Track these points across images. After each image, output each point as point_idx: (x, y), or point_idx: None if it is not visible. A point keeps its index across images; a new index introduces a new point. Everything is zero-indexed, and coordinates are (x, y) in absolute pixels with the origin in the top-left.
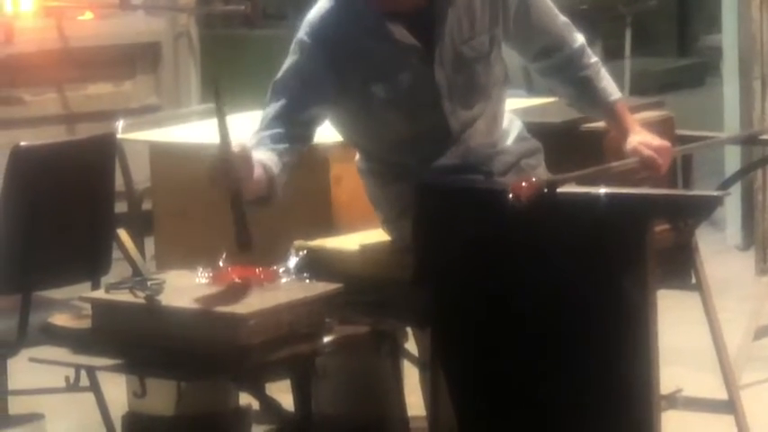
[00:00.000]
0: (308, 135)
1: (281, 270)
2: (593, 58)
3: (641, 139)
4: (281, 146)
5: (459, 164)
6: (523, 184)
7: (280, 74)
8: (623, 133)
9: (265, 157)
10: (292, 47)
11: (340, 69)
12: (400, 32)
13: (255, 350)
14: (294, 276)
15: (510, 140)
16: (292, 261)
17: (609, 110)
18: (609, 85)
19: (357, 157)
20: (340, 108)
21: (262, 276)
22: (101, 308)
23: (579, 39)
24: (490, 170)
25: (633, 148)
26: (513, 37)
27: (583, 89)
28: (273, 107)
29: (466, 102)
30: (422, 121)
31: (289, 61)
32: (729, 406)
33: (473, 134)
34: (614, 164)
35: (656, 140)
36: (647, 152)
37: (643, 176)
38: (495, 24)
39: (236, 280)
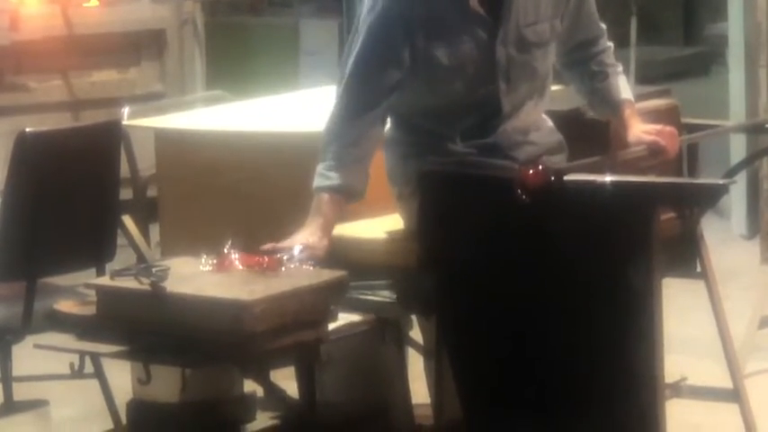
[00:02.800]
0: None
1: (284, 258)
2: (618, 63)
3: (643, 127)
4: (369, 148)
5: (492, 143)
6: (531, 171)
7: (363, 52)
8: (627, 129)
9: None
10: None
11: (412, 27)
12: (474, 1)
13: (260, 337)
14: (298, 264)
15: (541, 132)
16: (297, 249)
17: (619, 106)
18: (624, 86)
19: (387, 125)
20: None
21: (265, 264)
22: (106, 294)
23: (608, 42)
24: (516, 157)
25: (637, 137)
26: (564, 28)
27: (599, 82)
28: (364, 92)
29: (519, 85)
30: (477, 94)
31: (372, 35)
32: (734, 394)
33: (517, 118)
34: (622, 152)
35: (657, 127)
36: (650, 137)
37: (652, 163)
38: (556, 15)
39: (240, 267)
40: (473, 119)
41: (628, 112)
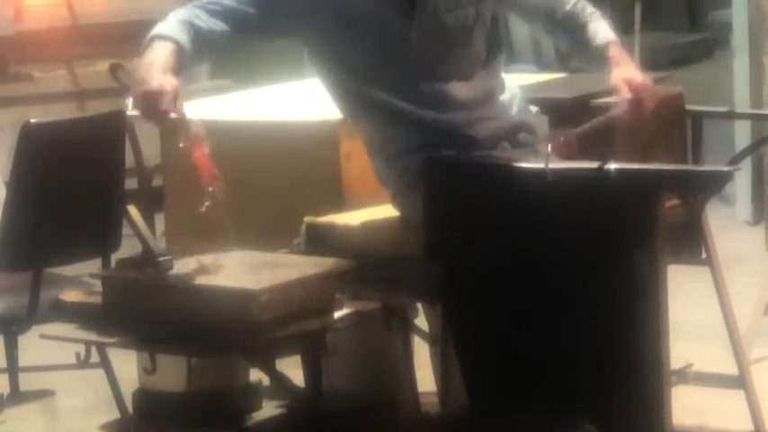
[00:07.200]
0: (259, 33)
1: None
2: (589, 10)
3: (625, 74)
4: (216, 26)
5: (447, 124)
6: (562, 139)
7: None
8: (611, 69)
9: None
10: None
11: (317, 15)
12: None
13: (266, 326)
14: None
15: (511, 113)
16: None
17: (601, 52)
18: (604, 29)
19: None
20: (326, 71)
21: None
22: (111, 284)
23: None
24: (474, 135)
25: (616, 84)
26: (508, 7)
27: (579, 37)
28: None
29: (449, 71)
30: (397, 81)
31: None
32: (739, 381)
33: (461, 106)
34: (599, 101)
35: (639, 77)
36: (628, 94)
37: (628, 115)
38: None
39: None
40: (413, 108)
41: (612, 52)
